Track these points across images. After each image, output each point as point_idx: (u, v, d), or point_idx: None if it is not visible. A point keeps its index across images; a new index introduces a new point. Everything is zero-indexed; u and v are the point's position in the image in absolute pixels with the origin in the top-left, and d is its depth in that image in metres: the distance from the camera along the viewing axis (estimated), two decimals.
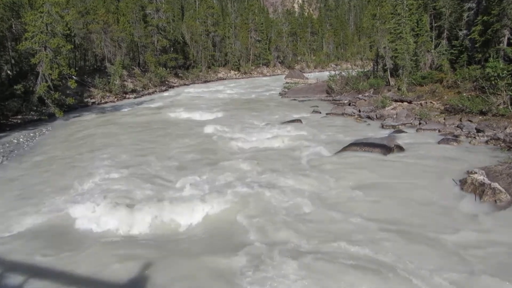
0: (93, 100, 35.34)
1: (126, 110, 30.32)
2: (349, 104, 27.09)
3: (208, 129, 19.76)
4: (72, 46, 34.54)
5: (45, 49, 26.05)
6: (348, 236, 8.43)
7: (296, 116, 23.55)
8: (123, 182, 11.95)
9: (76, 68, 36.51)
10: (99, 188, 11.61)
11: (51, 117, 26.25)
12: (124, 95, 39.90)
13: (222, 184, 11.51)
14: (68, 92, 30.79)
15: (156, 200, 10.31)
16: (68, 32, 36.35)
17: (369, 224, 8.97)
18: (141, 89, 44.07)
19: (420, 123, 19.72)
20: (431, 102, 22.74)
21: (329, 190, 10.92)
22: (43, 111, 26.56)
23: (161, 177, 12.58)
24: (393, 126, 19.64)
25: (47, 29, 26.25)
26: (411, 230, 8.68)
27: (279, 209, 9.84)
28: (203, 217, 9.56)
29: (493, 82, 18.83)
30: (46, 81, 25.89)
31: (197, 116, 25.11)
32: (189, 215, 9.59)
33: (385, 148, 14.33)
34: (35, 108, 26.49)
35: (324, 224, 8.96)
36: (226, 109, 27.17)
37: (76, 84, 27.58)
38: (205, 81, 61.84)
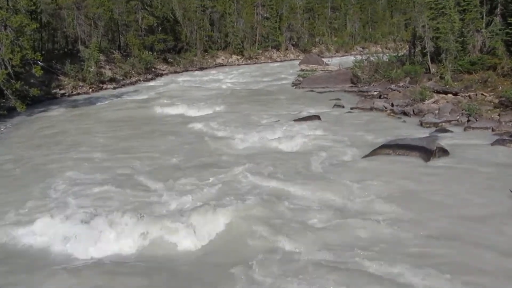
0: (62, 91, 35.52)
1: (102, 103, 30.40)
2: (380, 97, 26.84)
3: (204, 127, 19.78)
4: (38, 25, 34.62)
5: (5, 29, 26.10)
6: (387, 265, 8.19)
7: (313, 111, 23.37)
8: (98, 191, 11.96)
9: (43, 52, 36.59)
10: (68, 198, 11.62)
11: (11, 111, 26.39)
12: (101, 85, 40.05)
13: (220, 195, 11.49)
14: (32, 81, 30.98)
15: (139, 213, 10.24)
16: (34, 8, 36.63)
17: (407, 244, 8.85)
18: (121, 78, 44.23)
19: (468, 120, 19.54)
20: (482, 94, 22.57)
21: (354, 203, 10.80)
22: (1, 104, 26.63)
23: (145, 185, 12.58)
24: (435, 124, 19.48)
25: (7, 4, 26.47)
26: (459, 255, 8.49)
27: (289, 225, 9.74)
28: (198, 235, 9.55)
29: None
30: (6, 68, 25.87)
31: (190, 111, 25.11)
32: (181, 232, 9.56)
33: (425, 151, 14.23)
34: None
35: (348, 250, 8.77)
36: (227, 103, 27.10)
37: (42, 72, 27.63)
38: (201, 68, 62.04)
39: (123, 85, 42.12)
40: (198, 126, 20.24)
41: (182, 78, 47.74)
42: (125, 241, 9.45)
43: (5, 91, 26.11)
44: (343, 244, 8.95)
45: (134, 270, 8.42)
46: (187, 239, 9.37)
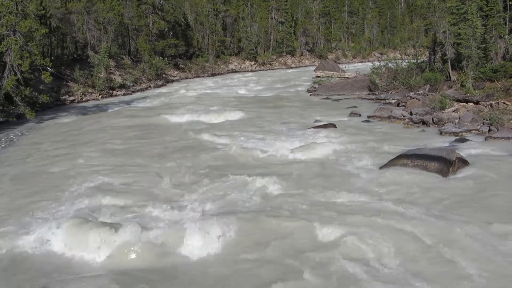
0: (72, 98, 36.19)
1: (112, 110, 30.69)
2: (398, 105, 26.90)
3: (216, 135, 20.04)
4: (48, 30, 35.34)
5: (14, 34, 26.55)
6: None
7: (329, 119, 23.55)
8: (107, 202, 12.20)
9: (52, 58, 37.37)
10: (79, 207, 11.85)
11: (20, 118, 26.77)
12: (111, 91, 40.67)
13: (229, 207, 11.59)
14: (41, 87, 31.53)
15: (151, 224, 10.42)
16: (43, 12, 37.15)
17: (428, 271, 8.72)
18: (131, 84, 44.86)
19: (490, 130, 19.52)
20: (504, 103, 22.50)
21: (370, 217, 10.71)
22: (11, 111, 27.16)
23: (157, 195, 12.80)
24: (455, 133, 19.54)
25: (16, 9, 26.85)
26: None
27: (301, 243, 9.75)
28: (210, 249, 9.69)
29: None
30: (15, 74, 26.34)
31: (202, 119, 25.38)
32: (193, 246, 9.70)
33: (444, 162, 14.21)
34: (0, 108, 26.98)
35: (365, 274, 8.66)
36: (239, 110, 27.26)
37: (51, 78, 27.98)
38: (213, 74, 62.42)
39: (133, 92, 42.65)
40: (210, 134, 20.47)
41: (194, 85, 48.08)
42: (134, 250, 9.55)
43: (14, 98, 26.57)
44: (354, 259, 8.96)
45: (138, 278, 8.52)
46: (201, 250, 9.52)
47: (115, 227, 10.19)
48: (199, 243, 9.57)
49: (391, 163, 14.52)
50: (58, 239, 10.05)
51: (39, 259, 9.52)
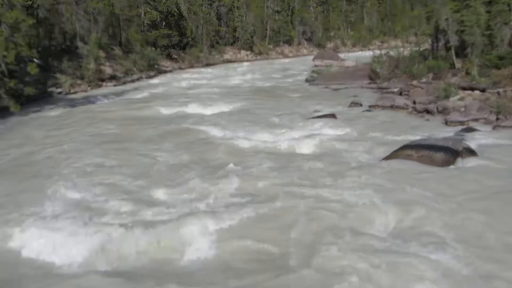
0: (59, 90, 35.59)
1: (101, 102, 30.35)
2: (400, 94, 26.72)
3: (211, 127, 19.66)
4: (35, 21, 34.74)
5: None
6: None
7: (328, 109, 23.26)
8: (97, 200, 11.85)
9: (39, 49, 36.74)
10: (66, 207, 11.47)
11: (4, 112, 26.32)
12: (100, 82, 40.13)
13: (225, 203, 11.33)
14: (27, 79, 30.97)
15: (141, 221, 10.11)
16: (30, 2, 36.80)
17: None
18: (122, 75, 44.38)
19: (497, 119, 19.23)
20: None
21: (372, 212, 10.41)
22: None
23: (147, 191, 12.44)
24: (461, 123, 19.26)
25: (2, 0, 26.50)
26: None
27: (294, 238, 9.53)
28: (206, 245, 9.51)
29: None
30: (0, 66, 26.05)
31: (195, 110, 25.01)
32: (188, 243, 9.55)
33: (451, 153, 13.89)
34: None
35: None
36: (235, 101, 27.02)
37: (38, 69, 27.66)
38: (207, 65, 61.95)
39: (124, 83, 42.14)
40: (204, 126, 20.09)
41: (187, 75, 47.63)
42: (126, 250, 9.35)
43: None
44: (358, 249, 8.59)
45: (137, 279, 8.32)
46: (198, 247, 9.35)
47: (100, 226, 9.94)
48: (192, 242, 9.39)
49: (394, 154, 14.23)
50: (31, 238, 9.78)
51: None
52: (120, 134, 19.48)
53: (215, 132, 19.14)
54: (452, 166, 13.40)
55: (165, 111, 25.20)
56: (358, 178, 12.57)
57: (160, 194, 12.18)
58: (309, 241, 9.27)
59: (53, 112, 27.16)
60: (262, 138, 17.60)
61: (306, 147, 16.30)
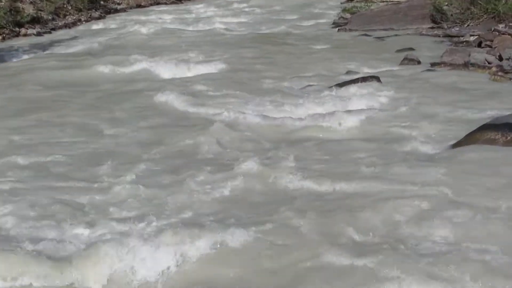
0: None
1: (19, 59, 24.59)
2: (479, 44, 22.67)
3: (183, 99, 14.81)
4: None
5: None
6: None
7: (369, 70, 18.72)
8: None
9: None
10: None
11: None
12: (18, 29, 33.84)
13: (216, 215, 8.06)
14: None
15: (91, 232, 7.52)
16: None
17: None
18: (50, 18, 38.05)
19: None
20: None
21: (436, 231, 7.10)
22: None
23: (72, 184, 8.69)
24: None
25: None
26: None
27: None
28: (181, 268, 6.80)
29: None
30: None
31: (163, 72, 19.50)
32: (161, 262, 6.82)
33: None
34: None
35: None
36: (223, 59, 21.02)
37: None
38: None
39: (53, 29, 35.19)
40: (175, 97, 15.13)
41: (150, 17, 40.10)
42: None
43: None
44: None
45: None
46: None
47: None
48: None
49: (469, 138, 11.58)
50: None
51: None
52: (43, 103, 15.45)
53: (194, 105, 14.50)
54: None
55: (115, 71, 19.97)
56: (413, 177, 9.13)
57: (89, 192, 9.00)
58: None
59: None
60: (267, 113, 13.59)
61: (333, 130, 12.66)
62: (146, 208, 8.19)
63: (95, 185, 9.24)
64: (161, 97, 15.34)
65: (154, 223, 7.63)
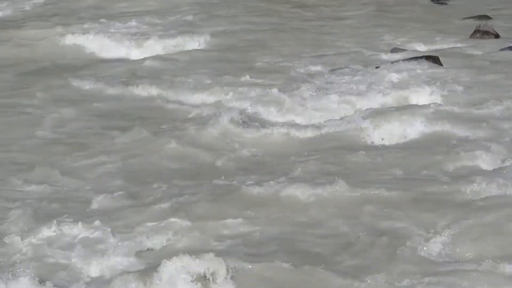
0: None
1: None
2: None
3: (154, 87, 11.67)
4: None
5: None
6: None
7: (421, 46, 15.35)
8: None
9: None
10: None
11: None
12: None
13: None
14: None
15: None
16: None
17: None
18: None
19: None
20: None
21: None
22: None
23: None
24: None
25: None
26: None
27: None
28: None
29: None
30: None
31: (123, 47, 15.31)
32: None
33: None
34: None
35: None
36: (212, 27, 16.97)
37: None
38: None
39: None
40: (144, 85, 11.92)
41: None
42: None
43: None
44: None
45: None
46: None
47: None
48: None
49: None
50: None
51: None
52: None
53: (170, 104, 11.40)
54: None
55: (42, 45, 16.23)
56: (455, 200, 6.93)
57: None
58: None
59: None
60: (275, 113, 10.75)
61: (375, 130, 10.08)
62: None
63: None
64: (120, 86, 12.16)
65: None
